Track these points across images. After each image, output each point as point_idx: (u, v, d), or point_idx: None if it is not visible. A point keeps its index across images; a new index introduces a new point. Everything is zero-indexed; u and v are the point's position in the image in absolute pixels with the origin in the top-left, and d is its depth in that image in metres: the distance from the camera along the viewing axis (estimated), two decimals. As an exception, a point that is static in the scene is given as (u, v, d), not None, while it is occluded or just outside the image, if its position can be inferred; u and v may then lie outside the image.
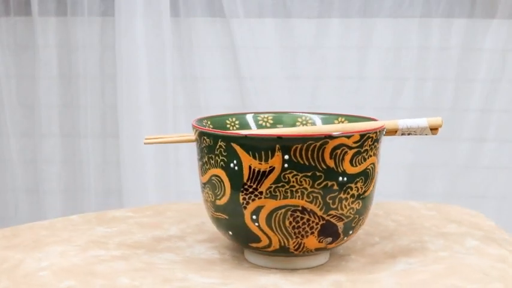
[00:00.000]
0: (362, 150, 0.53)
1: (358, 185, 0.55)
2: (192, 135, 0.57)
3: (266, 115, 0.67)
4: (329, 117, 0.66)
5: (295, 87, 1.31)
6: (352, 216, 0.54)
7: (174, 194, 1.31)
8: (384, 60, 1.30)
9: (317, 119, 0.66)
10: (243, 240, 0.55)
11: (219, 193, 0.54)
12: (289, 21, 1.29)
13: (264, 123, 0.67)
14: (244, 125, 0.66)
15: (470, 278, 0.53)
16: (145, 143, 0.58)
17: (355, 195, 0.54)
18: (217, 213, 0.55)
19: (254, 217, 0.53)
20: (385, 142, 1.42)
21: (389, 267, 0.57)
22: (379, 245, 0.64)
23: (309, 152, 0.51)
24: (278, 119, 0.67)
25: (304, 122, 0.67)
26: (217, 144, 0.53)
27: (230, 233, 0.56)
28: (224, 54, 1.31)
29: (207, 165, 0.55)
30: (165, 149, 1.30)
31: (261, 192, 0.52)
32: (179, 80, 1.31)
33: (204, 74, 1.31)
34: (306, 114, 0.67)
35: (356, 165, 0.54)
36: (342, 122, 0.64)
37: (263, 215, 0.53)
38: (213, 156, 0.54)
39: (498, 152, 1.31)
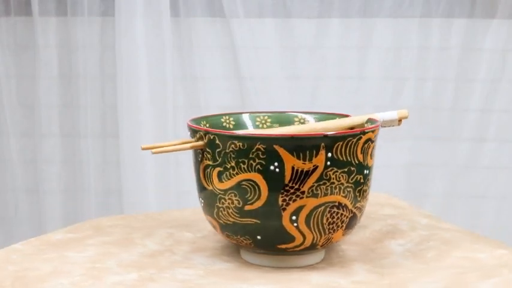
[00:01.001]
0: (375, 144, 0.57)
1: (371, 176, 0.58)
2: (192, 141, 0.55)
3: (263, 115, 0.67)
4: (324, 117, 0.66)
5: (295, 87, 1.31)
6: (365, 206, 0.57)
7: (174, 194, 1.31)
8: (383, 60, 1.30)
9: (311, 119, 0.67)
10: (271, 243, 0.55)
11: (251, 198, 0.53)
12: (289, 21, 1.29)
13: (261, 125, 0.66)
14: (241, 125, 0.65)
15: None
16: (143, 149, 0.58)
17: (369, 187, 0.58)
18: (245, 219, 0.54)
19: (294, 218, 0.53)
20: (385, 142, 1.41)
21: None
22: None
23: (347, 149, 0.53)
24: (276, 119, 0.67)
25: (302, 122, 0.67)
26: (254, 147, 0.52)
27: (258, 237, 0.54)
28: (224, 54, 1.31)
29: (233, 170, 0.53)
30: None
31: (302, 192, 0.52)
32: (179, 80, 1.31)
33: (204, 74, 1.31)
34: (302, 114, 0.67)
35: (372, 158, 0.57)
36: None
37: (303, 214, 0.53)
38: (246, 160, 0.52)
39: (498, 152, 1.31)
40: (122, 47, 1.26)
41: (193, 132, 0.56)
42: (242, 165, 0.52)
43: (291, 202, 0.52)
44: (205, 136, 0.54)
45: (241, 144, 0.52)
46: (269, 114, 0.67)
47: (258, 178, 0.52)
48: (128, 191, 1.29)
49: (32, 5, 1.27)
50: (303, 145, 0.51)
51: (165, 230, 0.68)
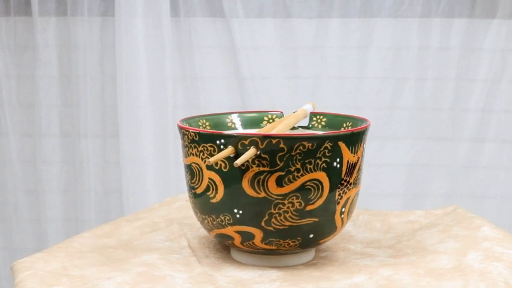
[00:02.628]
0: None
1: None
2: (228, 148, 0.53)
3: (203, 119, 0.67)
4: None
5: (295, 87, 1.31)
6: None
7: (174, 194, 1.31)
8: (383, 60, 1.30)
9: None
10: (317, 239, 0.57)
11: (313, 197, 0.53)
12: (289, 21, 1.29)
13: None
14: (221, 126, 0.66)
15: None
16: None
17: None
18: (304, 220, 0.54)
19: (343, 209, 0.57)
20: (385, 142, 1.41)
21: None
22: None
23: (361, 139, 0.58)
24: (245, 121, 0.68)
25: (270, 121, 0.68)
26: (323, 146, 0.52)
27: (311, 235, 0.55)
28: (224, 54, 1.31)
29: (298, 172, 0.52)
30: (165, 149, 1.30)
31: (350, 184, 0.56)
32: (179, 80, 1.31)
33: (204, 74, 1.31)
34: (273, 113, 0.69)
35: None
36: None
37: (348, 204, 0.57)
38: (313, 160, 0.52)
39: (498, 152, 1.31)
40: (122, 47, 1.26)
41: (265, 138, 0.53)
42: (308, 166, 0.53)
43: (343, 195, 0.56)
44: (262, 141, 0.52)
45: (311, 144, 0.52)
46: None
47: (322, 176, 0.54)
48: (128, 191, 1.29)
49: (32, 5, 1.27)
50: (354, 139, 0.56)
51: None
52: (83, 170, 1.32)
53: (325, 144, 0.53)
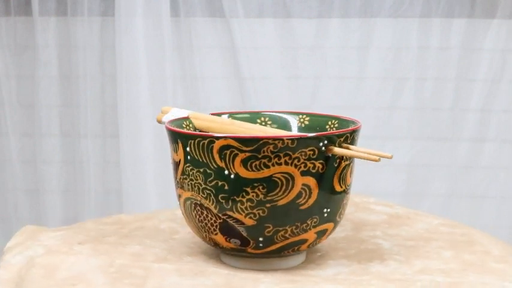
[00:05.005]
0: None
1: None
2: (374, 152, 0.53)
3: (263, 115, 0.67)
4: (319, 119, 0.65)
5: (295, 87, 1.31)
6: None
7: (174, 194, 1.31)
8: (383, 60, 1.29)
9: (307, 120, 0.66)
10: None
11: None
12: (289, 21, 1.29)
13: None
14: None
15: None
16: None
17: None
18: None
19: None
20: (385, 142, 1.40)
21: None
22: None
23: (199, 149, 0.55)
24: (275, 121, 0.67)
25: (263, 123, 0.67)
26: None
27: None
28: (224, 54, 1.30)
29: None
30: (165, 149, 1.30)
31: None
32: (179, 80, 1.31)
33: (204, 74, 1.31)
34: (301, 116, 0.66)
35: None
36: (334, 125, 0.64)
37: None
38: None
39: (498, 152, 1.31)
40: (122, 47, 1.26)
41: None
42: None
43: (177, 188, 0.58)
44: (351, 135, 0.56)
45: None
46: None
47: None
48: (128, 191, 1.29)
49: (32, 5, 1.27)
50: None
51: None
52: (83, 170, 1.32)
53: None
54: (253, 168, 0.52)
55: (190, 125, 0.63)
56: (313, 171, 0.53)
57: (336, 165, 0.54)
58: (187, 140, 0.54)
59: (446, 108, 1.30)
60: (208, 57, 1.30)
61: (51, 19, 1.30)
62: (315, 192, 0.54)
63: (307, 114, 0.65)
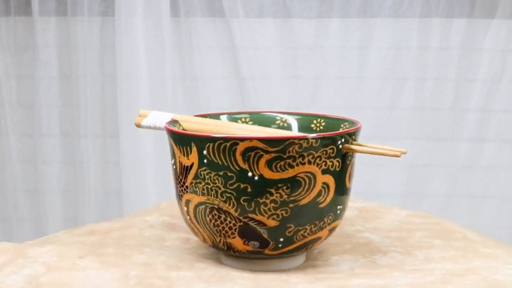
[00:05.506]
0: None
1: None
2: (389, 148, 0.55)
3: (243, 116, 0.66)
4: (305, 118, 0.65)
5: (295, 87, 1.31)
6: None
7: (174, 194, 1.31)
8: (383, 60, 1.29)
9: (293, 120, 0.66)
10: None
11: None
12: (289, 21, 1.29)
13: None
14: None
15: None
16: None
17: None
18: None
19: None
20: (385, 142, 1.41)
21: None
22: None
23: (220, 152, 0.53)
24: (256, 120, 0.66)
25: (281, 124, 0.66)
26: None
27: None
28: (224, 54, 1.30)
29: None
30: (165, 149, 1.29)
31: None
32: (179, 80, 1.31)
33: (204, 74, 1.31)
34: (282, 115, 0.66)
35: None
36: (320, 124, 0.64)
37: None
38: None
39: (498, 152, 1.31)
40: (122, 47, 1.26)
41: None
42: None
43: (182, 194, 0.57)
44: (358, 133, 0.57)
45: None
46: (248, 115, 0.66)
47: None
48: (128, 191, 1.29)
49: (32, 5, 1.27)
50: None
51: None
52: (83, 170, 1.32)
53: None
54: (278, 169, 0.52)
55: (180, 128, 0.63)
56: (332, 169, 0.54)
57: (348, 162, 0.56)
58: (204, 143, 0.53)
59: (446, 108, 1.30)
60: (208, 57, 1.30)
61: (51, 19, 1.30)
62: (332, 190, 0.54)
63: (323, 117, 0.64)
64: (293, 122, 0.66)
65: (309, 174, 0.53)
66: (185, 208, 0.57)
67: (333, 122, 0.63)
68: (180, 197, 0.57)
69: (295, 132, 0.64)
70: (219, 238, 0.55)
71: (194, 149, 0.54)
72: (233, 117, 0.66)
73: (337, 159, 0.54)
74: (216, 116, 0.65)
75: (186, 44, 1.30)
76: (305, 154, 0.52)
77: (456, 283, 0.52)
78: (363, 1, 1.28)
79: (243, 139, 0.51)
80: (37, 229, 1.35)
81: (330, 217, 0.56)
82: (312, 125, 0.64)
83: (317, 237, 0.56)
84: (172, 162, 0.58)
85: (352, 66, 1.30)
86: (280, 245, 0.55)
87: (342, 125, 0.61)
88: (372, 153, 0.55)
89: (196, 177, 0.54)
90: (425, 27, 1.28)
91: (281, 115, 0.66)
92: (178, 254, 0.61)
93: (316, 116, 0.64)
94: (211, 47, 1.30)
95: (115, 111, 1.30)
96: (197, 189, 0.54)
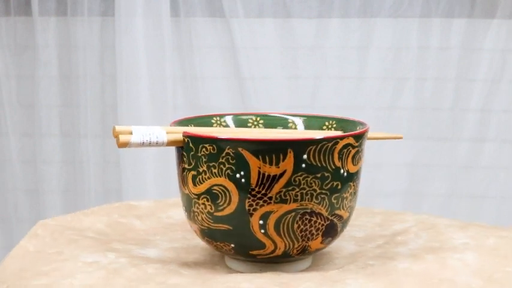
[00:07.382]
0: (360, 149, 0.56)
1: (355, 183, 0.57)
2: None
3: (254, 117, 0.65)
4: (312, 119, 0.65)
5: (295, 87, 1.31)
6: (347, 215, 0.57)
7: (174, 194, 1.31)
8: (383, 60, 1.30)
9: (299, 122, 0.65)
10: (244, 250, 0.54)
11: (222, 203, 0.53)
12: (289, 21, 1.29)
13: (253, 126, 0.65)
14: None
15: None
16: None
17: (352, 194, 0.58)
18: (217, 225, 0.54)
19: (261, 223, 0.52)
20: (385, 142, 1.40)
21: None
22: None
23: (321, 154, 0.52)
24: (267, 122, 0.65)
25: (292, 125, 0.65)
26: (224, 152, 0.51)
27: (232, 245, 0.54)
28: (224, 54, 1.31)
29: (205, 174, 0.53)
30: (165, 149, 1.30)
31: (270, 198, 0.51)
32: (179, 80, 1.31)
33: (204, 74, 1.31)
34: (291, 117, 0.65)
35: (356, 164, 0.56)
36: (332, 125, 0.63)
37: (272, 220, 0.52)
38: (216, 165, 0.53)
39: (498, 152, 1.31)
40: (122, 47, 1.26)
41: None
42: (213, 170, 0.52)
43: (258, 207, 0.51)
44: (185, 139, 0.53)
45: (211, 148, 0.51)
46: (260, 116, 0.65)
47: (227, 183, 0.51)
48: (128, 191, 1.29)
49: (32, 5, 1.27)
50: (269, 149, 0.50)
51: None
52: (83, 170, 1.32)
53: (227, 150, 0.51)
54: (355, 162, 0.54)
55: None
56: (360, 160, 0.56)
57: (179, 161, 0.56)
58: (305, 147, 0.50)
59: (446, 108, 1.30)
60: (208, 57, 1.30)
61: (51, 19, 1.30)
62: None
63: (334, 119, 0.64)
64: (299, 123, 0.65)
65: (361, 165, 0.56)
66: (260, 222, 0.52)
67: (344, 124, 0.62)
68: (249, 212, 0.52)
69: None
70: (300, 243, 0.53)
71: (290, 155, 0.50)
72: (239, 118, 0.65)
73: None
74: (221, 117, 0.64)
75: (186, 44, 1.30)
76: (364, 146, 0.56)
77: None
78: (363, 1, 1.28)
79: (342, 137, 0.52)
80: (37, 229, 1.35)
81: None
82: (324, 127, 0.64)
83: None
84: (238, 176, 0.51)
85: (352, 66, 1.30)
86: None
87: (358, 127, 0.60)
88: (377, 138, 0.59)
89: (288, 184, 0.51)
90: (425, 27, 1.28)
91: (291, 117, 0.65)
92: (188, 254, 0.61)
93: (327, 118, 0.64)
94: (211, 47, 1.30)
95: (115, 111, 1.30)
96: (287, 197, 0.51)
